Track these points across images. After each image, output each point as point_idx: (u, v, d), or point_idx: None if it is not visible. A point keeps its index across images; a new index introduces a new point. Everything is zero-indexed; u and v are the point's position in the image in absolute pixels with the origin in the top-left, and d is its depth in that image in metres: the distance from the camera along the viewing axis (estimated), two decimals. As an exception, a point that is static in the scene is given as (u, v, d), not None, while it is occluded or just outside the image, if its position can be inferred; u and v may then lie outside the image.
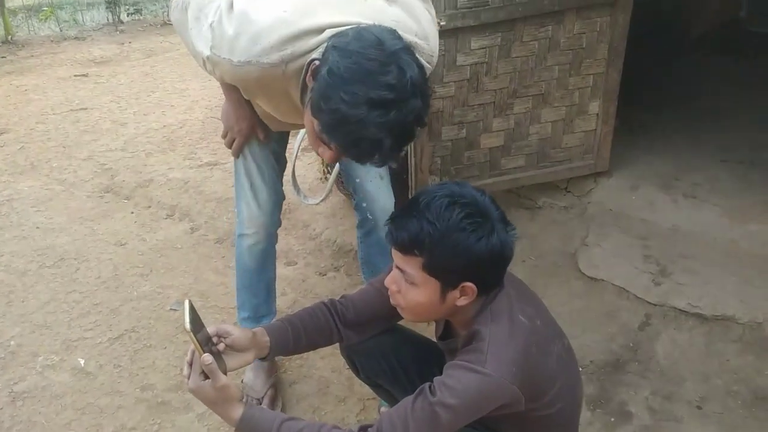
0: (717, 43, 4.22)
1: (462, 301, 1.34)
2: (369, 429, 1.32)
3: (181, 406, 2.11)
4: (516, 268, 2.61)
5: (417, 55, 1.39)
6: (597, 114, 2.76)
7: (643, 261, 2.57)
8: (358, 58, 1.29)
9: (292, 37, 1.41)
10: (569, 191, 2.98)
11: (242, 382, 2.12)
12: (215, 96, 4.39)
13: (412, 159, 2.60)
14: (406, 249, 1.31)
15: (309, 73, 1.39)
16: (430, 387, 1.30)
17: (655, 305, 2.40)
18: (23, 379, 2.22)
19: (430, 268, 1.30)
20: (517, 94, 2.62)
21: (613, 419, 2.04)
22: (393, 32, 1.37)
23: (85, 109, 4.26)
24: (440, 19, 2.25)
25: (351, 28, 1.38)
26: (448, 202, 1.28)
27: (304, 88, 1.44)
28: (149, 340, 2.37)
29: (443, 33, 2.23)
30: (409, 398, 1.32)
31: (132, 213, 3.15)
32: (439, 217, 1.27)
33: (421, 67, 1.36)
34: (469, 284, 1.31)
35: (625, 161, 3.01)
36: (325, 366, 2.24)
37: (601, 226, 2.77)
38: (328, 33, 1.40)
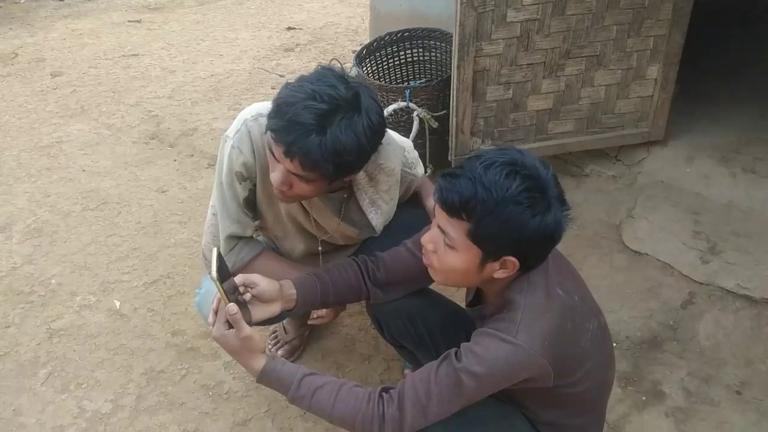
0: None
1: (500, 274, 1.28)
2: (391, 390, 1.30)
3: (209, 353, 2.15)
4: (556, 237, 2.52)
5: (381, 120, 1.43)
6: (655, 79, 2.60)
7: (692, 237, 2.44)
8: (319, 70, 1.40)
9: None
10: (619, 160, 2.84)
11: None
12: (263, 46, 4.37)
13: (453, 119, 2.51)
14: (453, 211, 1.23)
15: None
16: (456, 353, 1.27)
17: (700, 284, 2.29)
18: (61, 317, 2.29)
19: (475, 236, 1.23)
20: (569, 55, 2.48)
21: (644, 398, 1.97)
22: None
23: (137, 55, 4.29)
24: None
25: None
26: (509, 171, 1.19)
27: None
28: (183, 287, 2.40)
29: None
30: (434, 363, 1.29)
31: (174, 161, 3.17)
32: (497, 185, 1.18)
33: (380, 113, 1.41)
34: (511, 258, 1.24)
35: (681, 131, 2.84)
36: (353, 324, 2.23)
37: (650, 198, 2.64)
38: None
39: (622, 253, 2.47)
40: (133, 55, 4.30)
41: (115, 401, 2.01)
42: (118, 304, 2.35)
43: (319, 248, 1.75)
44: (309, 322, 1.83)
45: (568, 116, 2.63)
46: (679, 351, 2.10)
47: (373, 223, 1.67)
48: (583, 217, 2.64)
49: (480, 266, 1.27)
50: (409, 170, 1.73)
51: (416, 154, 1.79)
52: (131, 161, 3.16)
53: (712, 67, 3.28)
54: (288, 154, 1.34)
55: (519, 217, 1.19)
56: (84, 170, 3.09)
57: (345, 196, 1.64)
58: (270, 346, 2.12)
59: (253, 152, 1.55)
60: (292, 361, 2.08)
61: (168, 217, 2.79)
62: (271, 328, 2.17)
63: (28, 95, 3.75)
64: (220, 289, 1.26)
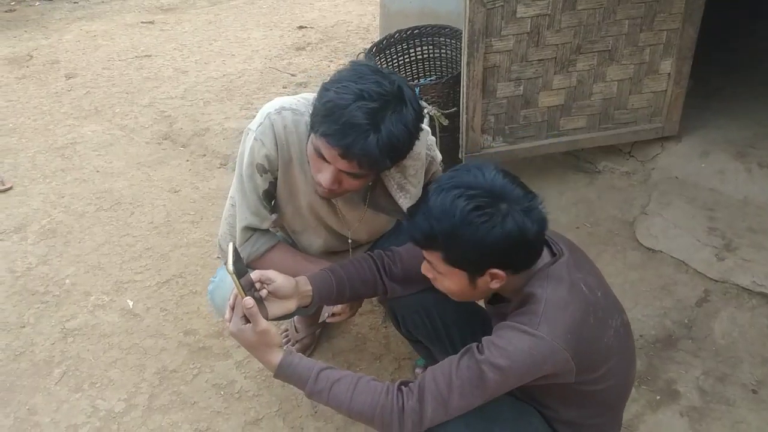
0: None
1: (494, 285, 1.29)
2: (410, 384, 1.30)
3: (221, 353, 2.15)
4: (569, 235, 2.45)
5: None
6: (669, 73, 2.57)
7: (707, 233, 2.41)
8: (355, 68, 1.40)
9: None
10: (632, 156, 2.81)
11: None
12: (275, 46, 4.38)
13: (464, 116, 2.50)
14: (423, 246, 1.30)
15: None
16: (477, 346, 1.26)
17: (716, 281, 2.26)
18: (75, 317, 2.32)
19: (450, 261, 1.28)
20: (581, 50, 2.46)
21: (658, 397, 1.95)
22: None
23: (150, 56, 4.32)
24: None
25: None
26: (453, 196, 1.22)
27: None
28: (195, 286, 2.41)
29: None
30: (455, 356, 1.28)
31: (187, 161, 3.19)
32: (446, 213, 1.22)
33: (417, 99, 1.43)
34: (495, 271, 1.26)
35: (696, 126, 2.80)
36: (364, 323, 2.23)
37: (664, 195, 2.61)
38: None
39: (636, 251, 2.45)
40: (146, 56, 4.33)
41: (128, 400, 2.02)
42: (131, 303, 2.37)
43: (349, 240, 1.76)
44: (328, 320, 1.82)
45: (580, 112, 2.61)
46: (694, 349, 2.07)
47: (404, 208, 1.65)
48: (596, 215, 2.62)
49: (471, 284, 1.30)
50: (429, 152, 1.72)
51: (433, 138, 1.79)
52: (144, 162, 3.19)
53: (727, 61, 3.24)
54: (346, 156, 1.35)
55: (476, 235, 1.21)
56: (98, 171, 3.12)
57: (369, 183, 1.63)
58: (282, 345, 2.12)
59: (276, 145, 1.55)
60: (303, 360, 2.11)
61: (180, 216, 2.80)
62: (282, 326, 2.18)
63: (43, 97, 3.80)
64: (237, 283, 1.26)
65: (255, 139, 1.55)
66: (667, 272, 2.34)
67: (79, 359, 2.16)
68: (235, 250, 1.30)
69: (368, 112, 1.32)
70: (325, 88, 1.39)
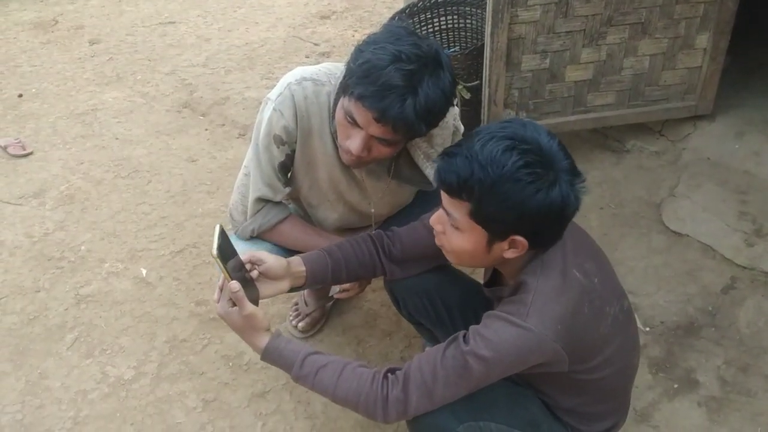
0: None
1: (510, 254, 1.22)
2: (397, 371, 1.27)
3: (231, 324, 2.14)
4: (592, 216, 2.42)
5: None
6: (704, 49, 2.44)
7: (737, 218, 2.31)
8: (390, 29, 1.35)
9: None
10: (663, 135, 2.70)
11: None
12: (299, 14, 4.30)
13: (486, 90, 2.41)
14: (452, 192, 1.18)
15: None
16: (464, 335, 1.22)
17: (744, 268, 2.17)
18: (89, 283, 2.32)
19: (477, 217, 1.17)
20: (612, 22, 2.34)
21: (676, 386, 1.88)
22: None
23: (173, 22, 4.28)
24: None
25: None
26: (506, 146, 1.12)
27: None
28: (208, 257, 2.40)
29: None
30: (441, 345, 1.24)
31: (206, 130, 3.16)
32: (493, 163, 1.12)
33: (454, 75, 1.37)
34: (519, 238, 1.18)
35: (732, 104, 2.67)
36: (375, 299, 2.19)
37: (695, 176, 2.51)
38: None
39: (662, 234, 2.36)
40: (170, 22, 4.29)
41: (137, 368, 2.02)
42: (144, 272, 2.36)
43: (372, 210, 1.71)
44: (336, 296, 1.80)
45: (609, 88, 2.50)
46: (716, 338, 2.00)
47: (431, 178, 1.60)
48: (621, 195, 2.53)
49: (488, 247, 1.22)
50: (455, 122, 1.66)
51: (458, 109, 1.73)
52: (163, 130, 3.17)
53: (763, 38, 3.07)
54: (382, 119, 1.30)
55: (519, 194, 1.12)
56: (117, 138, 3.11)
57: (395, 153, 1.57)
58: (291, 318, 2.11)
59: (295, 116, 1.51)
60: (313, 334, 2.10)
61: (197, 186, 2.78)
62: (293, 299, 2.15)
63: (67, 62, 3.79)
64: (222, 266, 1.23)
65: (274, 109, 1.51)
66: (693, 257, 2.25)
67: (92, 325, 2.17)
68: (222, 232, 1.26)
69: (405, 75, 1.27)
70: (360, 50, 1.34)
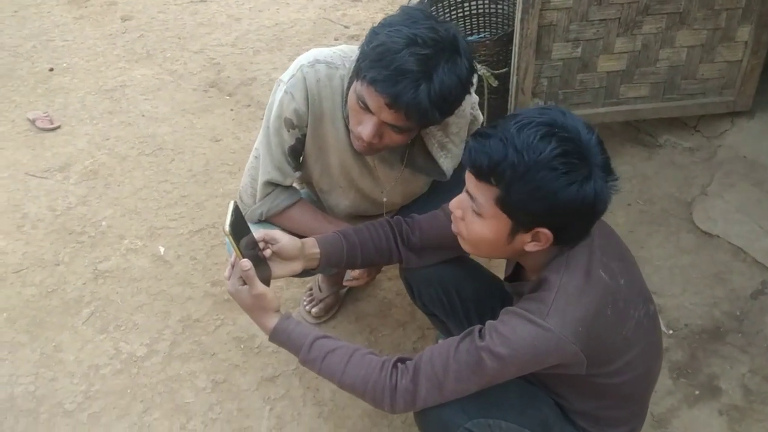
0: None
1: (531, 247, 1.17)
2: (407, 362, 1.23)
3: (245, 307, 2.13)
4: (619, 212, 2.35)
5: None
6: (746, 42, 2.33)
7: (772, 220, 2.21)
8: (407, 12, 1.31)
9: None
10: (698, 131, 2.60)
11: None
12: (331, -5, 4.25)
13: (514, 78, 2.34)
14: (482, 175, 1.12)
15: None
16: (480, 330, 1.18)
17: (776, 273, 2.08)
18: (108, 259, 2.34)
19: (505, 203, 1.12)
20: (648, 11, 2.25)
21: (697, 392, 1.82)
22: None
23: (205, 1, 4.27)
24: None
25: None
26: (545, 132, 1.07)
27: None
28: (226, 238, 2.39)
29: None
30: (455, 338, 1.21)
31: (231, 110, 3.15)
32: (530, 148, 1.07)
33: (472, 62, 1.33)
34: (544, 231, 1.13)
35: (772, 101, 2.56)
36: (391, 288, 2.16)
37: (729, 175, 2.41)
38: None
39: (691, 234, 2.27)
40: (201, 1, 4.28)
41: (150, 345, 2.03)
42: (162, 250, 2.37)
43: (384, 199, 1.67)
44: (345, 283, 1.77)
45: (643, 79, 2.41)
46: (743, 344, 1.92)
47: (444, 168, 1.56)
48: (651, 192, 2.44)
49: (509, 237, 1.16)
50: (473, 111, 1.62)
51: (476, 97, 1.67)
52: (189, 108, 3.16)
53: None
54: (394, 105, 1.26)
55: (552, 184, 1.06)
56: (143, 115, 3.12)
57: (408, 142, 1.54)
58: (305, 303, 2.09)
59: (306, 100, 1.47)
60: (326, 321, 2.07)
61: (219, 166, 2.78)
62: (308, 284, 2.13)
63: (98, 38, 3.81)
64: (233, 243, 1.21)
65: (285, 91, 1.47)
66: (723, 259, 2.16)
67: (108, 301, 2.18)
68: (236, 209, 1.24)
69: (420, 59, 1.23)
70: (374, 32, 1.30)
